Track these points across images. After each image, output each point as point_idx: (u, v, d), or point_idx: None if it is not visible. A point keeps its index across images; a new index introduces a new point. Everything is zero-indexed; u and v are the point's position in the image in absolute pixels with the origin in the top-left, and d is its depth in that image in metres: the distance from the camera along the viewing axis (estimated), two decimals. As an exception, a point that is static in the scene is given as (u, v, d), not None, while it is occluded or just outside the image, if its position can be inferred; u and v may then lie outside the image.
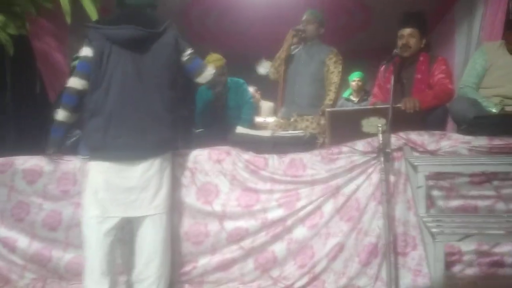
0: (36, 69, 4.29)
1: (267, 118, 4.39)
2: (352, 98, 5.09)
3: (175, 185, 2.35)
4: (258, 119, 4.23)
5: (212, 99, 3.40)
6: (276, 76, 3.36)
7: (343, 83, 5.38)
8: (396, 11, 2.89)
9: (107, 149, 2.08)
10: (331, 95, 3.11)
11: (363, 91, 5.08)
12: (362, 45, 6.60)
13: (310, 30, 3.21)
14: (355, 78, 5.08)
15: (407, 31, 2.70)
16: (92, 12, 2.72)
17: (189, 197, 2.33)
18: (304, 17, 3.25)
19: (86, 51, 2.14)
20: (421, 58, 2.74)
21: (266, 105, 4.87)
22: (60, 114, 2.22)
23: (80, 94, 2.16)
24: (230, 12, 5.64)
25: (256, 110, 3.75)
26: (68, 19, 2.60)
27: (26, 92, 4.18)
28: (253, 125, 3.62)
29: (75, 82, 2.15)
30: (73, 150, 3.11)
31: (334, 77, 3.14)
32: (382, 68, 2.90)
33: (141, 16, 2.19)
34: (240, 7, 5.37)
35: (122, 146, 2.07)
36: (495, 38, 3.41)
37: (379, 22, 5.61)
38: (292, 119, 3.21)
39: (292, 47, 3.28)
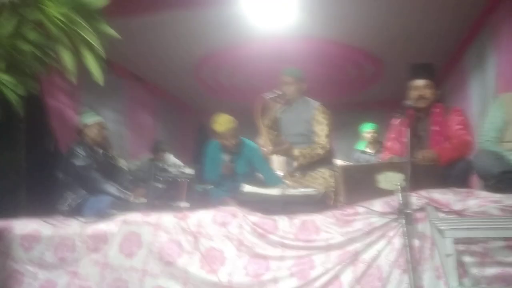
0: (49, 127, 4.34)
1: (279, 171, 4.24)
2: (369, 150, 4.94)
3: (178, 251, 2.18)
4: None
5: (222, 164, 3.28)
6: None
7: (356, 136, 5.30)
8: (406, 63, 2.84)
9: None
10: (318, 149, 2.85)
11: (379, 143, 4.92)
12: (374, 97, 6.57)
13: (291, 92, 3.02)
14: (369, 130, 4.96)
15: (421, 82, 2.63)
16: (97, 72, 2.71)
17: (193, 265, 2.15)
18: (281, 80, 3.05)
19: None
20: (436, 110, 2.65)
21: (278, 159, 4.74)
22: None
23: None
24: (242, 67, 5.72)
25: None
26: (74, 79, 2.58)
27: (40, 151, 4.19)
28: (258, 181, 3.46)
29: None
30: (77, 211, 3.03)
31: (324, 127, 2.89)
32: (396, 121, 2.79)
33: None
34: (252, 62, 5.44)
35: None
36: (512, 86, 3.30)
37: (390, 74, 5.60)
38: (297, 176, 3.05)
39: (279, 110, 3.16)
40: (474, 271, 1.88)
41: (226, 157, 3.22)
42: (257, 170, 3.42)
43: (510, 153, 2.38)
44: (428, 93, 2.61)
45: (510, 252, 1.87)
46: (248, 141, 3.41)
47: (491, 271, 1.87)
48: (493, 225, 1.76)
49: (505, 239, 1.86)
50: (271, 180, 3.21)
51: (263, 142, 3.27)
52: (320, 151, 2.85)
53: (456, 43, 4.76)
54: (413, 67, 2.71)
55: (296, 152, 2.85)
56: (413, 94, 2.63)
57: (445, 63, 5.30)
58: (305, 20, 4.20)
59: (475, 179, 2.72)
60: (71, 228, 2.42)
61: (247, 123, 3.53)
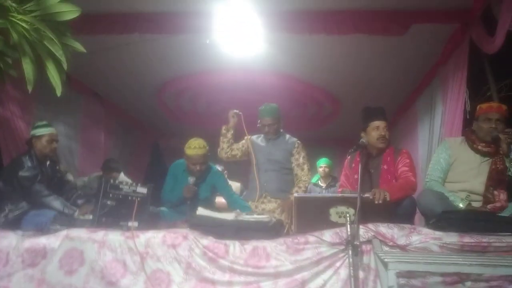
0: (-8, 136, 4.09)
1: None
2: (320, 183, 5.09)
3: (122, 271, 2.09)
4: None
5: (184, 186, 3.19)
6: (229, 155, 3.36)
7: (312, 169, 5.45)
8: (363, 104, 3.00)
9: None
10: (299, 191, 3.14)
11: (330, 177, 5.10)
12: (330, 134, 6.84)
13: (274, 130, 3.30)
14: (322, 165, 5.13)
15: (383, 124, 2.76)
16: (57, 84, 2.62)
17: (136, 286, 2.06)
18: (264, 121, 3.28)
19: None
20: (387, 150, 2.79)
21: (233, 185, 4.73)
22: None
23: None
24: (205, 94, 5.75)
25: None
26: (30, 88, 2.48)
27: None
28: (215, 207, 3.45)
29: None
30: (14, 224, 2.82)
31: (305, 176, 3.24)
32: (348, 158, 2.92)
33: None
34: (214, 90, 5.49)
35: None
36: (455, 133, 3.57)
37: (347, 113, 5.87)
38: (260, 201, 3.19)
39: (253, 136, 3.40)
40: (413, 304, 1.96)
41: (190, 180, 3.14)
42: (221, 195, 3.41)
43: (451, 194, 2.55)
44: (387, 134, 2.76)
45: (445, 287, 1.96)
46: (214, 168, 3.39)
47: (428, 305, 1.95)
48: (432, 260, 1.85)
49: (442, 274, 1.95)
50: (236, 204, 3.16)
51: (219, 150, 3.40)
52: (303, 188, 3.21)
53: (410, 90, 5.11)
54: (372, 110, 2.85)
55: None
56: (375, 134, 2.74)
57: (398, 108, 5.66)
58: (270, 54, 4.36)
59: (418, 217, 2.86)
60: (6, 240, 2.25)
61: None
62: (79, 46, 2.96)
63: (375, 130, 2.75)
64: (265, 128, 3.28)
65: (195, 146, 3.11)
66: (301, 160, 3.26)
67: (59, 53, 2.79)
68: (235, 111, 3.33)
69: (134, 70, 4.98)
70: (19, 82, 3.32)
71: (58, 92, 2.87)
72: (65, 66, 2.86)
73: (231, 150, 3.36)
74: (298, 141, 3.33)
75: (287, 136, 3.38)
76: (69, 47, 2.93)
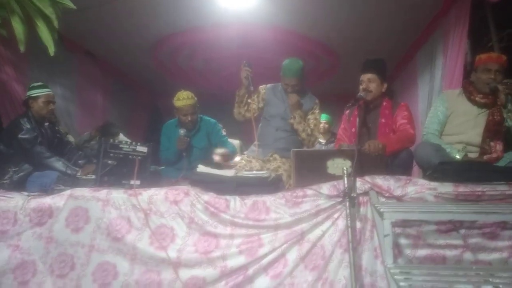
0: (-11, 99, 4.06)
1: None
2: (320, 140, 5.10)
3: (127, 227, 2.16)
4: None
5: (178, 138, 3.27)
6: (247, 117, 3.18)
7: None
8: (363, 58, 2.95)
9: None
10: (306, 139, 3.11)
11: (330, 133, 5.11)
12: (329, 89, 6.75)
13: (297, 90, 3.09)
14: (321, 121, 5.10)
15: (367, 76, 2.77)
16: (49, 43, 2.57)
17: (142, 241, 2.13)
18: (289, 81, 3.05)
19: None
20: (384, 103, 2.79)
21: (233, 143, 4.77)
22: None
23: None
24: (203, 51, 5.64)
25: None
26: (22, 47, 2.43)
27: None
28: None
29: None
30: (19, 185, 2.89)
31: (316, 131, 3.14)
32: (347, 112, 2.92)
33: None
34: (212, 47, 5.38)
35: None
36: (455, 86, 3.54)
37: (346, 68, 5.78)
38: (265, 159, 3.13)
39: (269, 85, 3.24)
40: (408, 252, 2.04)
41: (181, 131, 3.23)
42: (214, 145, 3.43)
43: (448, 146, 2.58)
44: (372, 86, 2.75)
45: (440, 235, 2.04)
46: (206, 117, 3.48)
47: (422, 252, 2.04)
48: (427, 209, 1.91)
49: (436, 223, 2.02)
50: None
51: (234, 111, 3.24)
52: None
53: (410, 43, 5.00)
54: (364, 62, 2.84)
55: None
56: (360, 87, 2.78)
57: (398, 61, 5.56)
58: (266, 7, 4.24)
59: (415, 169, 2.91)
60: (13, 201, 2.30)
61: (203, 106, 3.52)
62: (68, 3, 2.88)
63: (360, 84, 2.79)
64: (289, 88, 3.07)
65: (183, 97, 3.24)
66: (315, 122, 3.13)
67: (48, 11, 2.72)
68: (246, 69, 3.02)
69: (128, 28, 4.85)
70: (11, 43, 3.27)
71: (51, 51, 2.83)
72: (55, 24, 2.80)
73: (248, 111, 3.17)
74: (317, 101, 3.17)
75: (308, 95, 3.17)
76: (59, 4, 2.86)
